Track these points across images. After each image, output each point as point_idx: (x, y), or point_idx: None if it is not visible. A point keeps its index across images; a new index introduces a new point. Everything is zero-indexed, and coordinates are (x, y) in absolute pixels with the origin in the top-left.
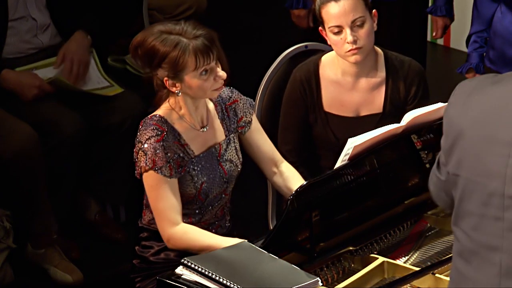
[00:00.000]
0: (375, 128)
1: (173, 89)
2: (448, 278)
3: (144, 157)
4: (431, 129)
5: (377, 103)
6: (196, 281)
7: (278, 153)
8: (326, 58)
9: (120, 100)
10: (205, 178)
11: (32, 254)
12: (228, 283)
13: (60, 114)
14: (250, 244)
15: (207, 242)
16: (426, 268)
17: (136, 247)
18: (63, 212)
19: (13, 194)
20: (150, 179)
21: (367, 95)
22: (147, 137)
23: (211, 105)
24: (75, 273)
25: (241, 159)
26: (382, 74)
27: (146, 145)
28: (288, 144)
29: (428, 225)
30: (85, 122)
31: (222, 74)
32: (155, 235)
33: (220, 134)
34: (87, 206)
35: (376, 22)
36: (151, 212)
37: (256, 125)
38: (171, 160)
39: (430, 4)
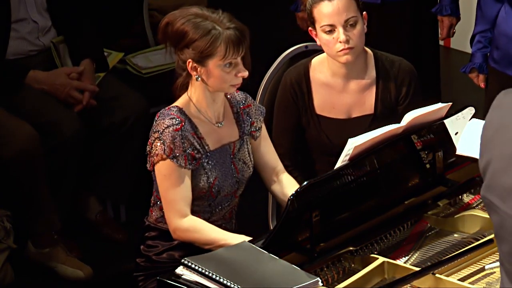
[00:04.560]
0: (367, 130)
1: (193, 73)
2: (448, 279)
3: (162, 145)
4: (431, 129)
5: (368, 104)
6: (196, 281)
7: (280, 164)
8: (316, 61)
9: (121, 100)
10: (218, 174)
11: (35, 254)
12: (228, 283)
13: (60, 114)
14: (250, 244)
15: (212, 236)
16: (426, 269)
17: (141, 246)
18: (64, 212)
19: (13, 194)
20: (164, 168)
21: (358, 97)
22: (165, 126)
23: (227, 105)
24: (85, 268)
25: (252, 162)
26: (372, 75)
27: (164, 134)
28: (281, 147)
29: (429, 225)
30: (85, 122)
31: (245, 72)
32: (162, 234)
33: (234, 133)
34: (87, 206)
35: (366, 24)
36: (160, 210)
37: (264, 133)
38: (187, 151)
39: None
